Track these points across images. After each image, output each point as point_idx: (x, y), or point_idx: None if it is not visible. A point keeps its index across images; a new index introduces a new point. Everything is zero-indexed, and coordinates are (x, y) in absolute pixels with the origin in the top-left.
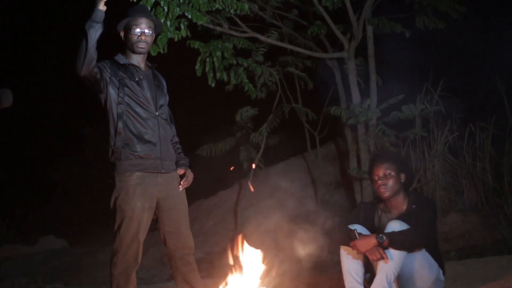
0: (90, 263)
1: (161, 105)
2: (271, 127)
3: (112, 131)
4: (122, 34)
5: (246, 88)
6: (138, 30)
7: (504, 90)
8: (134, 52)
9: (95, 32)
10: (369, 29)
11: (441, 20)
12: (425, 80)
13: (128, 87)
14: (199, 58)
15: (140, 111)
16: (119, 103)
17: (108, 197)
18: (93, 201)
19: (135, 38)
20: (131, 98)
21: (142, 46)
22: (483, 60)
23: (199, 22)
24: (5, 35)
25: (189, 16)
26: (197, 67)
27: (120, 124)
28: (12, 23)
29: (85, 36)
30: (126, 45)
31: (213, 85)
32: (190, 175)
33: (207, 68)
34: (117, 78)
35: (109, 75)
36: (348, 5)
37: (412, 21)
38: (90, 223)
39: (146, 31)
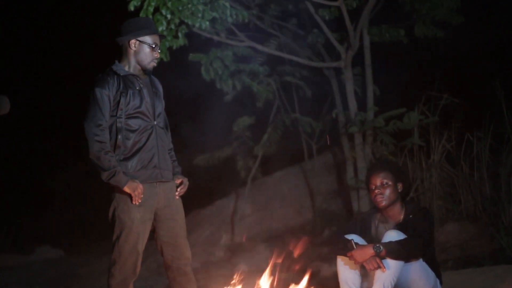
0: (87, 273)
1: (159, 113)
2: (272, 138)
3: (112, 143)
4: (134, 43)
5: (255, 90)
6: (157, 48)
7: (503, 96)
8: (145, 67)
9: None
10: (366, 39)
11: (439, 29)
12: (423, 89)
13: (128, 97)
14: (202, 68)
15: (139, 122)
16: (118, 117)
17: (106, 207)
18: (90, 211)
19: (153, 54)
20: (131, 109)
21: (155, 63)
22: (482, 68)
23: (202, 27)
24: (4, 39)
25: (190, 22)
26: (203, 74)
27: (120, 137)
28: (11, 26)
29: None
30: (135, 56)
31: (224, 88)
32: (186, 183)
33: (212, 75)
34: (118, 92)
35: (112, 100)
36: (345, 14)
37: (410, 30)
38: (87, 233)
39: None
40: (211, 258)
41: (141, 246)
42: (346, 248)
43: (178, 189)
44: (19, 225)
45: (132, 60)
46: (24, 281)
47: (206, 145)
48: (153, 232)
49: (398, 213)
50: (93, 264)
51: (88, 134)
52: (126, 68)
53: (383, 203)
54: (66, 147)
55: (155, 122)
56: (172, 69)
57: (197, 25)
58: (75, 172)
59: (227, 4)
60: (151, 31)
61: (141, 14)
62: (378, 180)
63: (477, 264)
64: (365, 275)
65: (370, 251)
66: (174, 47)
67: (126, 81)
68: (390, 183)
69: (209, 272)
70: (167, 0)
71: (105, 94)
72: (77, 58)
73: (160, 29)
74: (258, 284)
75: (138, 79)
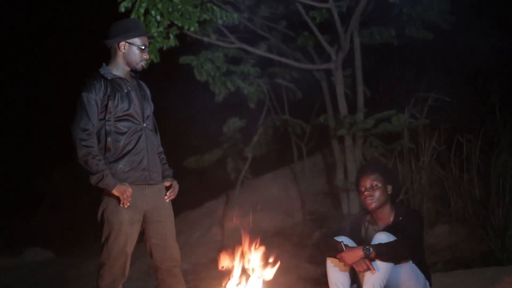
0: (76, 275)
1: (148, 116)
2: (263, 140)
3: (101, 146)
4: (124, 45)
5: (246, 92)
6: (147, 49)
7: (498, 98)
8: (134, 68)
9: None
10: (357, 41)
11: (429, 31)
12: (414, 91)
13: (116, 101)
14: (195, 70)
15: (128, 125)
16: (107, 120)
17: (96, 209)
18: (80, 212)
19: (142, 56)
20: (119, 112)
21: (144, 64)
22: (473, 70)
23: (191, 29)
24: None
25: (179, 24)
26: (196, 75)
27: (109, 140)
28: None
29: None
30: (124, 58)
31: (218, 91)
32: (176, 186)
33: (205, 76)
34: (106, 96)
35: (99, 104)
36: (336, 16)
37: (400, 32)
38: (77, 234)
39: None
40: (201, 259)
41: (130, 248)
42: (336, 250)
43: (168, 193)
44: (9, 227)
45: (121, 62)
46: (14, 283)
47: (196, 147)
48: (142, 234)
49: (387, 215)
50: (83, 265)
51: (75, 139)
52: (114, 71)
53: (373, 205)
54: (55, 148)
55: (145, 125)
56: (163, 71)
57: (186, 27)
58: (65, 173)
59: (216, 8)
60: (140, 32)
61: (132, 15)
62: (368, 182)
63: (467, 266)
64: (355, 277)
65: (359, 253)
66: (165, 48)
67: (114, 84)
68: (379, 185)
69: (199, 273)
70: (158, 1)
71: (92, 99)
72: (67, 60)
73: (152, 30)
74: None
75: (126, 82)
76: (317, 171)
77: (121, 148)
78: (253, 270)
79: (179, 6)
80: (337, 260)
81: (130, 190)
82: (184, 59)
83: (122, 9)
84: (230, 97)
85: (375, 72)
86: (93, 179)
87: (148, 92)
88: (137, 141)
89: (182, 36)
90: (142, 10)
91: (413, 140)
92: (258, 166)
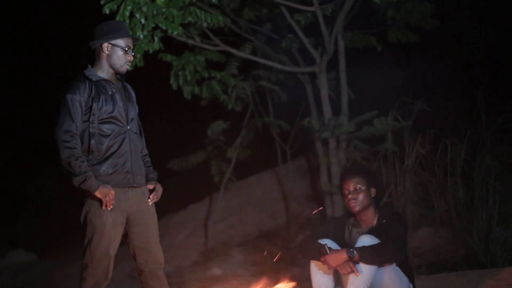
0: (59, 277)
1: (132, 118)
2: (245, 142)
3: (85, 148)
4: (107, 47)
5: (221, 100)
6: (130, 51)
7: (483, 102)
8: (117, 70)
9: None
10: (341, 44)
11: (414, 34)
12: (398, 95)
13: (101, 103)
14: (172, 72)
15: (111, 127)
16: (91, 122)
17: (79, 211)
18: (63, 215)
19: (126, 57)
20: (104, 114)
21: (129, 66)
22: (458, 74)
23: (174, 33)
24: None
25: (164, 27)
26: (171, 81)
27: (93, 142)
28: None
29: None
30: (108, 60)
31: (189, 97)
32: (159, 189)
33: (181, 82)
34: (90, 98)
35: (83, 106)
36: (320, 19)
37: (385, 35)
38: (60, 237)
39: (132, 51)
40: (184, 262)
41: (113, 250)
42: (319, 253)
43: (151, 196)
44: None
45: (105, 64)
46: None
47: (180, 149)
48: (125, 236)
49: (371, 218)
50: (66, 268)
51: (58, 141)
52: (99, 73)
53: (357, 208)
54: (39, 151)
55: (128, 127)
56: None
57: (170, 30)
58: (47, 176)
59: (199, 11)
60: (124, 34)
61: (117, 18)
62: (351, 185)
63: (451, 269)
64: (339, 280)
65: (343, 255)
66: (151, 51)
67: (99, 86)
68: (363, 188)
69: (182, 276)
70: (142, 5)
71: (76, 100)
72: (51, 62)
73: (137, 33)
74: None
75: (111, 84)
76: (301, 173)
77: (104, 151)
78: None
79: (164, 9)
80: (321, 263)
81: (112, 192)
82: (164, 56)
83: (106, 11)
84: (215, 100)
85: (360, 75)
86: (76, 181)
87: (133, 94)
88: (121, 144)
89: (166, 39)
90: (127, 13)
91: (398, 144)
92: (243, 168)
